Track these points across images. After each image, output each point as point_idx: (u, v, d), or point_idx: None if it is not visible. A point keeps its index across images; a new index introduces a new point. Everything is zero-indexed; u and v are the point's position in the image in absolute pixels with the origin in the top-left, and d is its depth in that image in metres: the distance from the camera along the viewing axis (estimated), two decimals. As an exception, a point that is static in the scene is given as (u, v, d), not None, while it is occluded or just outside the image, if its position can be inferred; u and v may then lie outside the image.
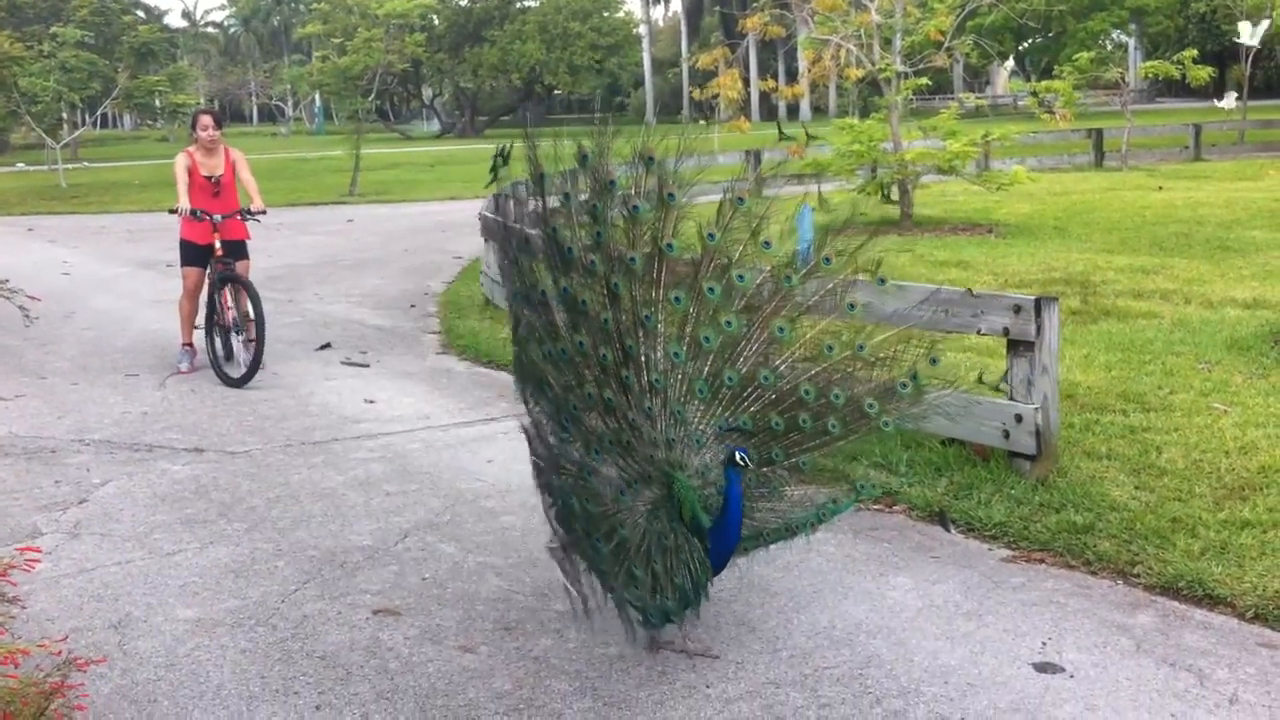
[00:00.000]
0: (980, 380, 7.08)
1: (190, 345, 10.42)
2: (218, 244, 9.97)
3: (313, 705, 4.46)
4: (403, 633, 5.04)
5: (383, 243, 20.06)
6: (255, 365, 9.68)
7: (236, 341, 9.96)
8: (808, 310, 4.76)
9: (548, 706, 4.39)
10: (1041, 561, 5.55)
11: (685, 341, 4.62)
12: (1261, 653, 4.63)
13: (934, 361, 4.77)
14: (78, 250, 20.06)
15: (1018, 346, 6.46)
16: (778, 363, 4.70)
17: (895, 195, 18.56)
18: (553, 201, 4.70)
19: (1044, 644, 4.76)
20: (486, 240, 13.25)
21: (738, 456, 4.41)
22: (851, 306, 4.77)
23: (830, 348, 4.72)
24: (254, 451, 7.77)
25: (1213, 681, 4.41)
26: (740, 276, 4.64)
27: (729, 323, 4.62)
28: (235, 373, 9.79)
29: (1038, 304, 6.34)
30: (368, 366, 10.35)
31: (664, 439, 4.61)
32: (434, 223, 22.72)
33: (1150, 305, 10.98)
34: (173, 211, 10.06)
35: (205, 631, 5.09)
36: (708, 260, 4.62)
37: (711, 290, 4.59)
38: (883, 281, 4.92)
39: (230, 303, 9.95)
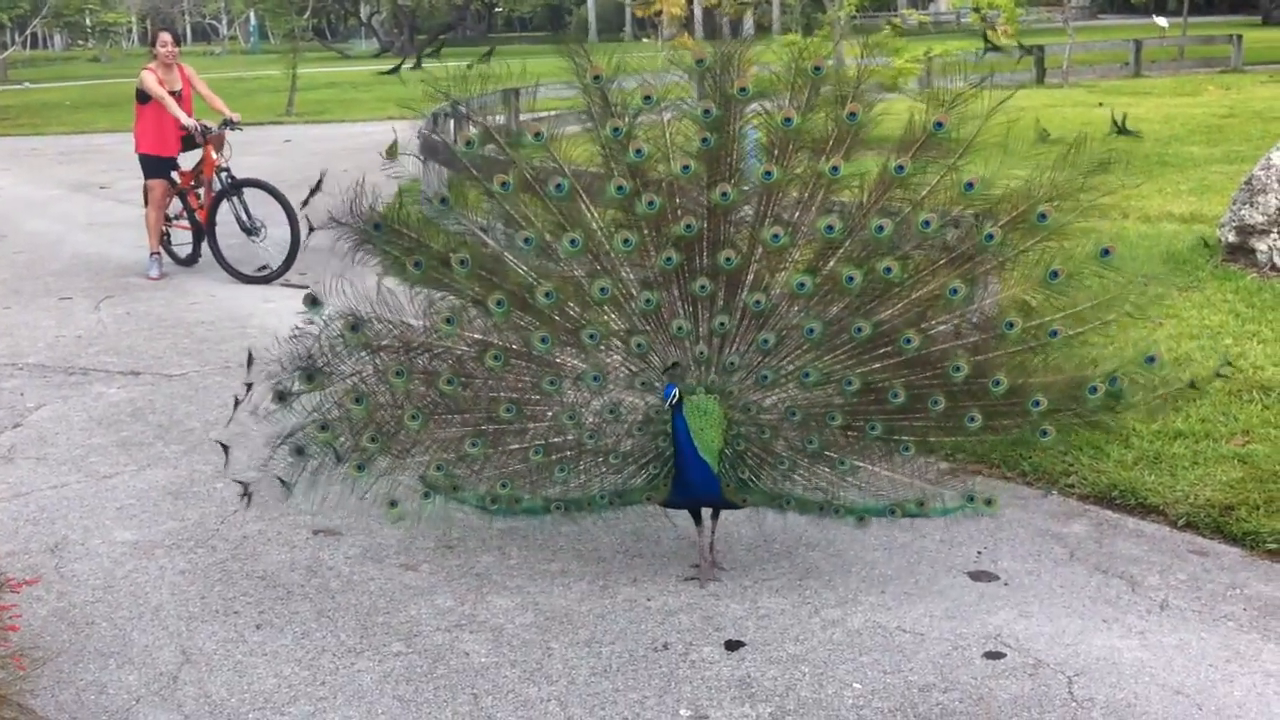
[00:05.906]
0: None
1: (159, 253, 10.98)
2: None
3: (253, 624, 4.45)
4: (343, 552, 5.03)
5: (321, 163, 19.45)
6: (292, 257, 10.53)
7: (256, 242, 10.82)
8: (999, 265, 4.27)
9: (490, 622, 4.40)
10: (978, 473, 5.60)
11: (816, 276, 4.30)
12: (1192, 559, 4.72)
13: (1150, 360, 4.27)
14: (9, 173, 19.60)
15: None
16: (927, 327, 4.24)
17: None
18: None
19: (979, 553, 4.82)
20: (425, 160, 13.06)
21: (668, 392, 4.29)
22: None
23: (1010, 324, 4.20)
24: (191, 374, 7.69)
25: (1144, 588, 4.50)
26: (880, 227, 4.32)
27: (888, 269, 4.21)
28: (247, 269, 10.67)
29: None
30: (307, 289, 10.20)
31: (723, 361, 4.42)
32: (373, 143, 22.18)
33: (1087, 220, 11.03)
34: (183, 129, 10.53)
35: (144, 553, 5.06)
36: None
37: (880, 229, 4.27)
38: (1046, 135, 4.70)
39: (242, 210, 10.80)
